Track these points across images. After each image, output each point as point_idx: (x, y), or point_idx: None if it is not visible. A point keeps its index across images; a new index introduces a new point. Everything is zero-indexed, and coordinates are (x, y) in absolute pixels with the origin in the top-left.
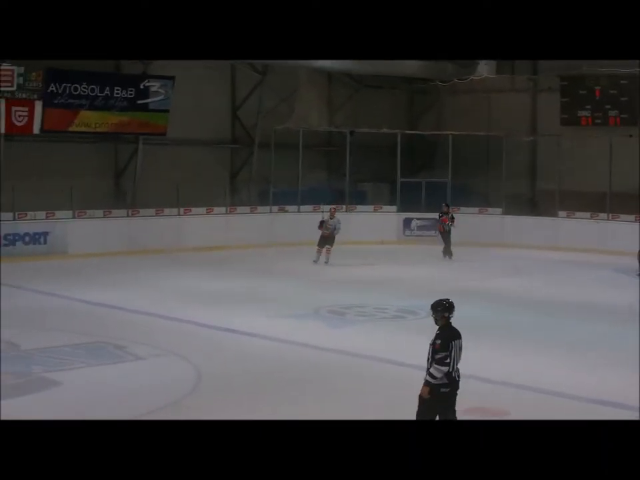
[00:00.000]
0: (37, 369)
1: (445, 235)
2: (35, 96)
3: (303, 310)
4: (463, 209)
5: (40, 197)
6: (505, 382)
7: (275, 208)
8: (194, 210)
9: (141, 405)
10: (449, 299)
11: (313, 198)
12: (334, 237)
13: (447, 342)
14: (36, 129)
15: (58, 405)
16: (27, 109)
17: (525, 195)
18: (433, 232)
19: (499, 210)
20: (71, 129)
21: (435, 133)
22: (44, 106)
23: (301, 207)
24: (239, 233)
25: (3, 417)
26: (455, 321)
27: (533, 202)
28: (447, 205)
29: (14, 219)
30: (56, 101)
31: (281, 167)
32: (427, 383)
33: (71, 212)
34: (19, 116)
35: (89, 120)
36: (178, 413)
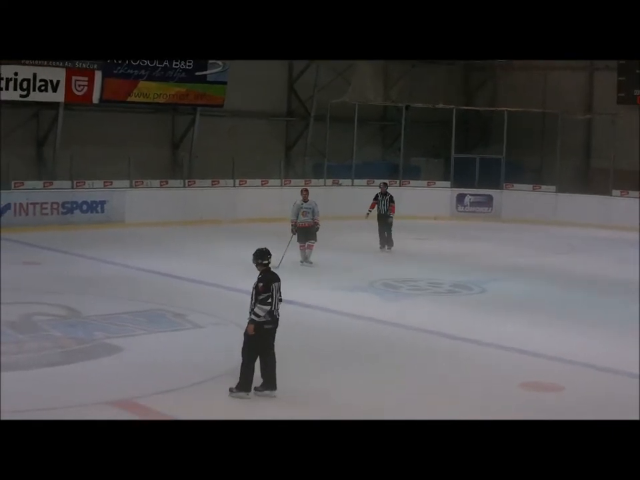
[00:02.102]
0: (98, 334)
1: (384, 221)
2: (95, 66)
3: (357, 282)
4: (516, 185)
5: (98, 166)
6: (559, 358)
7: (329, 181)
8: (249, 182)
9: (199, 372)
10: (265, 248)
11: (366, 172)
12: (315, 228)
13: (268, 284)
14: (95, 99)
15: (119, 371)
16: (86, 78)
17: (579, 172)
18: (486, 208)
19: (553, 187)
20: (129, 99)
21: (490, 109)
22: (104, 76)
23: (355, 180)
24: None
25: (69, 380)
26: (505, 296)
27: (587, 180)
28: (385, 184)
29: (72, 188)
30: (115, 71)
31: (335, 141)
32: (251, 321)
33: (128, 181)
34: (79, 85)
35: (148, 90)
36: (235, 381)
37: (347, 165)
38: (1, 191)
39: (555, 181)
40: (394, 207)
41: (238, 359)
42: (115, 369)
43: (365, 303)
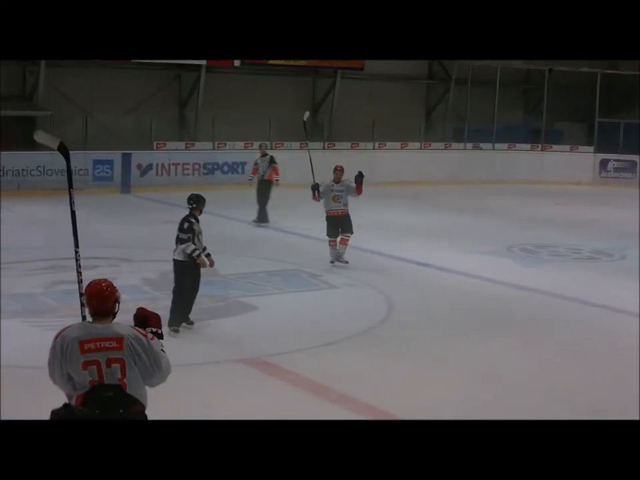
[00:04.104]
0: (234, 293)
1: (264, 187)
2: None
3: (495, 247)
4: None
5: (238, 127)
6: None
7: (470, 145)
8: (388, 145)
9: (333, 332)
10: (196, 194)
11: (508, 136)
12: (348, 218)
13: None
14: (237, 61)
15: (253, 329)
16: None
17: None
18: (630, 174)
19: None
20: (270, 61)
21: (636, 73)
22: None
23: (496, 144)
24: (432, 168)
25: (203, 337)
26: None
27: None
28: (265, 145)
29: (213, 149)
30: None
31: (476, 104)
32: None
33: (268, 143)
34: None
35: None
36: (370, 342)
37: (487, 129)
38: (144, 151)
39: None
40: (277, 169)
41: (373, 318)
42: (249, 327)
43: (503, 268)
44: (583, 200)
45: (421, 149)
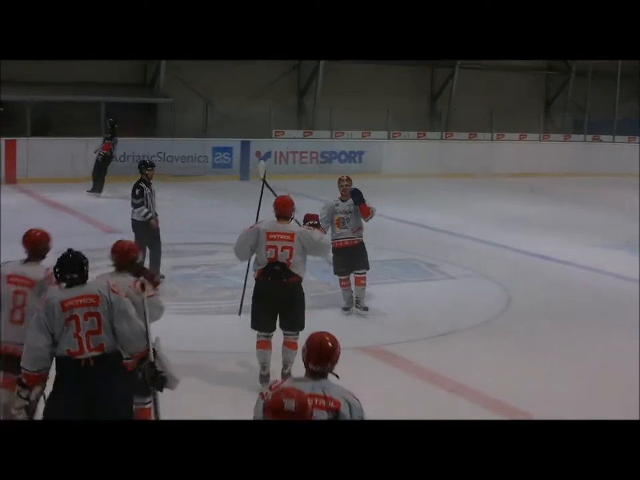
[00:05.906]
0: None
1: (103, 165)
2: None
3: (612, 240)
4: None
5: (356, 116)
6: None
7: (589, 137)
8: (507, 135)
9: (451, 322)
10: (142, 160)
11: (628, 128)
12: (361, 248)
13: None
14: None
15: (369, 318)
16: None
17: None
18: None
19: None
20: None
21: None
22: None
23: (616, 137)
24: (551, 160)
25: (318, 325)
26: None
27: None
28: (113, 123)
29: (331, 137)
30: None
31: (597, 96)
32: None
33: (385, 132)
34: None
35: None
36: (488, 333)
37: (608, 121)
38: (263, 139)
39: None
40: (107, 145)
41: (491, 310)
42: (367, 315)
43: (621, 261)
44: None
45: (539, 140)
